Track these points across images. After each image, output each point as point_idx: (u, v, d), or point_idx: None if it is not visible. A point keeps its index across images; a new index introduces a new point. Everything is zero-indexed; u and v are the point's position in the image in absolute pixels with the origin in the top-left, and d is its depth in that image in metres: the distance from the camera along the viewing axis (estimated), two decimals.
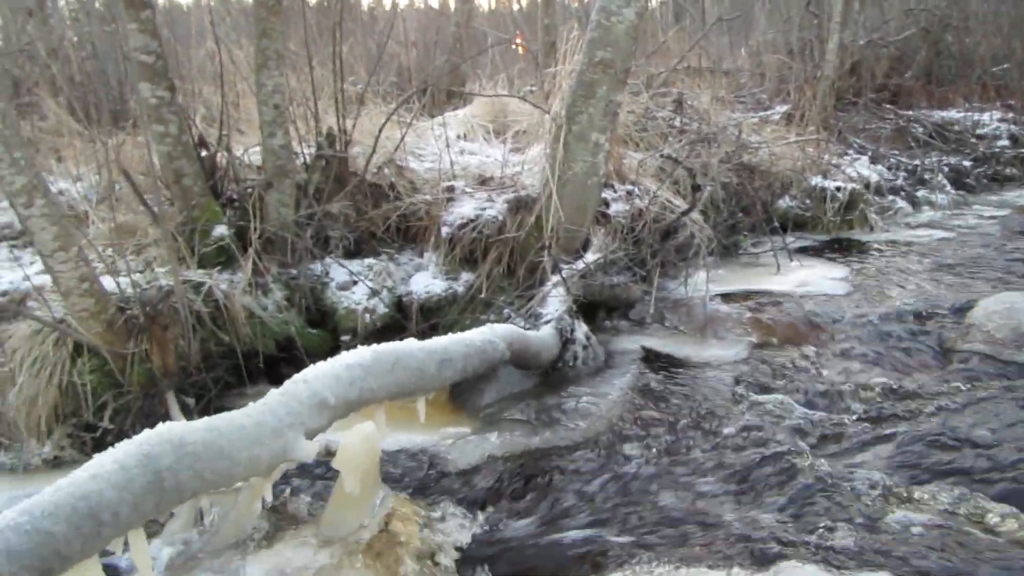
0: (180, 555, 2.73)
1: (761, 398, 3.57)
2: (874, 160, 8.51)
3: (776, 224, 6.42)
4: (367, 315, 4.56)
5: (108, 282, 3.88)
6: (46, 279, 4.01)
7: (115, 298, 3.82)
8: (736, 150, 6.20)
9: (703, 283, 4.86)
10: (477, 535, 2.81)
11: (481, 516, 2.92)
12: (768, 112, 9.22)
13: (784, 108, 9.10)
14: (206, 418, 2.36)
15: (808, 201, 6.98)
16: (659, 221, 5.07)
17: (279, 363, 4.32)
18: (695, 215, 5.12)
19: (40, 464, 3.68)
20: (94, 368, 3.79)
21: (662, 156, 4.97)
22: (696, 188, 4.87)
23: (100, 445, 3.58)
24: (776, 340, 4.31)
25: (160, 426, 2.25)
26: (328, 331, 4.61)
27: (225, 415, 2.40)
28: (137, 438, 2.18)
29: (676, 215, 4.97)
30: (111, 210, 4.86)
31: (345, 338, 4.51)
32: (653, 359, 4.15)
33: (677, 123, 6.55)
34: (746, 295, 5.01)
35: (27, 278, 4.15)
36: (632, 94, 6.47)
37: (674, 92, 6.86)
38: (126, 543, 2.15)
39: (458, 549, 2.72)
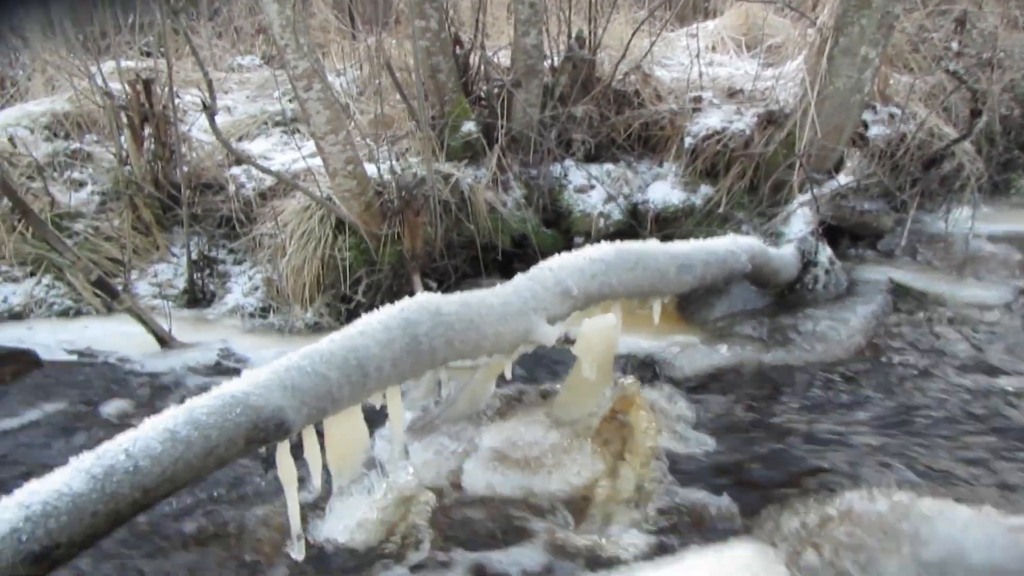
0: (420, 419, 2.96)
1: (1022, 343, 3.27)
2: None
3: None
4: (601, 219, 4.61)
5: (368, 168, 4.17)
6: (314, 162, 4.39)
7: (374, 182, 4.11)
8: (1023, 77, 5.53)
9: (966, 219, 4.46)
10: (700, 440, 2.82)
11: (706, 423, 2.93)
12: None
13: None
14: (459, 293, 2.51)
15: None
16: (923, 149, 4.67)
17: (513, 259, 4.47)
18: (967, 145, 4.66)
19: (303, 328, 4.10)
20: (352, 246, 4.13)
21: (945, 71, 4.52)
22: (976, 113, 4.42)
23: (353, 315, 3.87)
24: None
25: (419, 295, 2.42)
26: (562, 232, 4.71)
27: (476, 292, 2.54)
28: (399, 304, 2.36)
29: (945, 143, 4.55)
30: (371, 102, 5.19)
31: (578, 240, 4.59)
32: (901, 292, 3.90)
33: (955, 45, 5.93)
34: (1016, 237, 4.54)
35: (303, 158, 4.53)
36: (905, 9, 5.92)
37: (956, 9, 6.18)
38: (383, 400, 2.37)
39: (681, 450, 2.75)
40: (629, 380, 2.85)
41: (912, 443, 2.56)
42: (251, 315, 4.31)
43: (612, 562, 2.25)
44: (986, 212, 4.90)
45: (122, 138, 4.88)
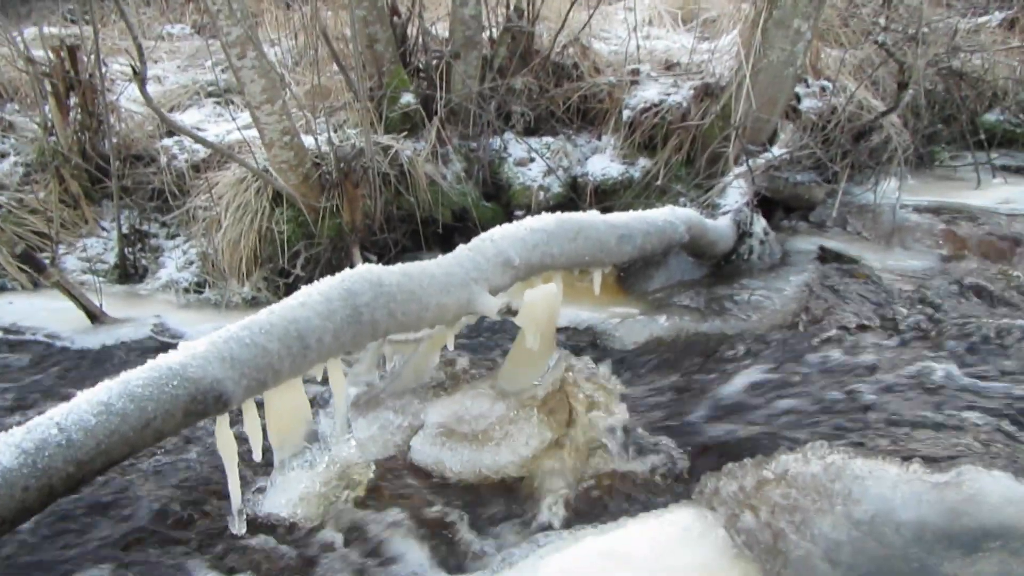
0: (364, 394, 2.93)
1: (948, 308, 3.38)
2: None
3: (981, 137, 5.91)
4: (541, 192, 4.60)
5: (306, 140, 4.08)
6: (249, 133, 4.29)
7: (311, 154, 4.03)
8: (947, 53, 5.69)
9: (893, 191, 4.59)
10: (643, 409, 2.86)
11: (646, 392, 2.97)
12: (985, 18, 8.37)
13: (1005, 14, 8.22)
14: (400, 264, 2.48)
15: (1022, 116, 6.37)
16: (853, 121, 4.78)
17: (454, 232, 4.45)
18: (894, 118, 4.79)
19: (240, 302, 4.02)
20: (290, 218, 4.05)
21: (874, 43, 4.61)
22: (902, 87, 4.53)
23: (292, 290, 3.80)
24: (970, 254, 4.04)
25: (360, 266, 2.38)
26: (502, 205, 4.70)
27: (417, 263, 2.52)
28: (339, 275, 2.33)
29: (874, 116, 4.67)
30: (307, 73, 5.08)
31: (519, 213, 4.58)
32: (832, 261, 4.01)
33: (883, 20, 6.06)
34: (939, 208, 4.68)
35: (237, 129, 4.42)
36: None
37: None
38: (324, 374, 2.34)
39: (622, 419, 2.78)
40: (565, 358, 2.87)
41: (844, 406, 2.63)
42: (186, 290, 4.21)
43: (557, 529, 2.26)
44: (912, 184, 5.05)
45: (46, 107, 4.69)
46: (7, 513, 1.47)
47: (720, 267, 3.91)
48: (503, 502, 2.42)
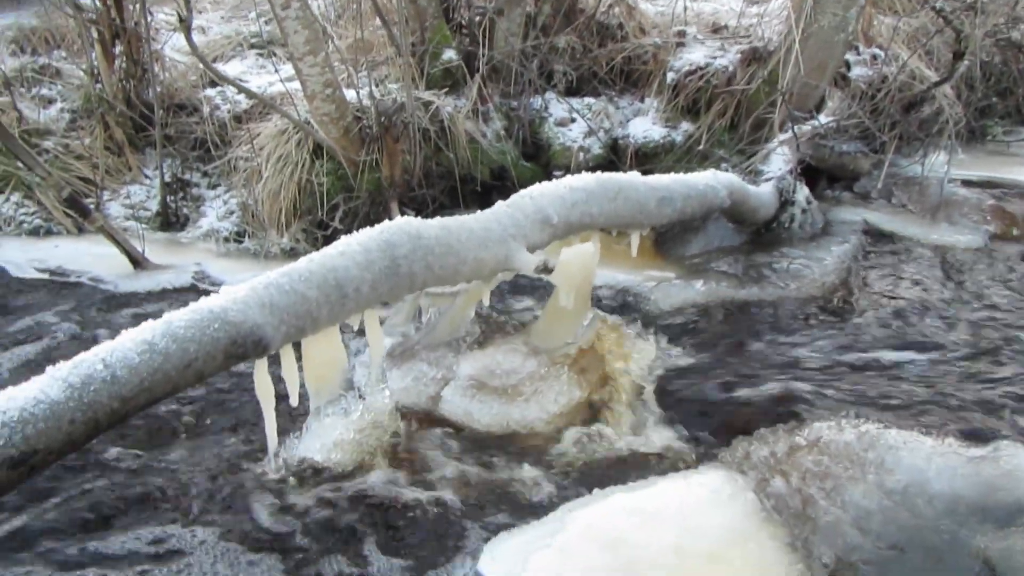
0: (400, 346, 2.97)
1: (993, 285, 3.32)
2: None
3: None
4: (581, 153, 4.57)
5: (347, 94, 4.08)
6: (291, 86, 4.29)
7: (353, 107, 4.03)
8: (1006, 23, 5.50)
9: (942, 164, 4.48)
10: (676, 370, 2.85)
11: (680, 355, 2.96)
12: None
13: None
14: (439, 218, 2.49)
15: None
16: (904, 91, 4.66)
17: (492, 191, 4.43)
18: (947, 89, 4.66)
19: (279, 253, 4.07)
20: (330, 171, 4.07)
21: (932, 9, 4.48)
22: (958, 57, 4.40)
23: (329, 242, 3.88)
24: (1019, 231, 3.95)
25: (399, 218, 2.39)
26: (541, 166, 4.67)
27: (456, 218, 2.52)
28: (379, 226, 2.34)
29: (926, 86, 4.54)
30: (350, 27, 5.06)
31: (557, 174, 4.54)
32: (875, 234, 3.94)
33: None
34: (988, 183, 4.57)
35: (280, 81, 4.42)
36: None
37: None
38: (361, 324, 2.36)
39: (655, 381, 2.79)
40: (600, 319, 2.87)
41: (881, 377, 2.61)
42: (226, 239, 4.26)
43: (585, 487, 2.28)
44: (962, 158, 4.92)
45: (92, 55, 4.73)
46: (54, 444, 1.51)
47: (760, 235, 3.86)
48: (531, 457, 2.45)
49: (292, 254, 4.01)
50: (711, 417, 2.58)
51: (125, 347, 1.66)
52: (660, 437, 2.53)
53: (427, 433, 2.57)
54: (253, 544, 2.06)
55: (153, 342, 1.70)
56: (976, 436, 2.13)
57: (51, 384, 1.54)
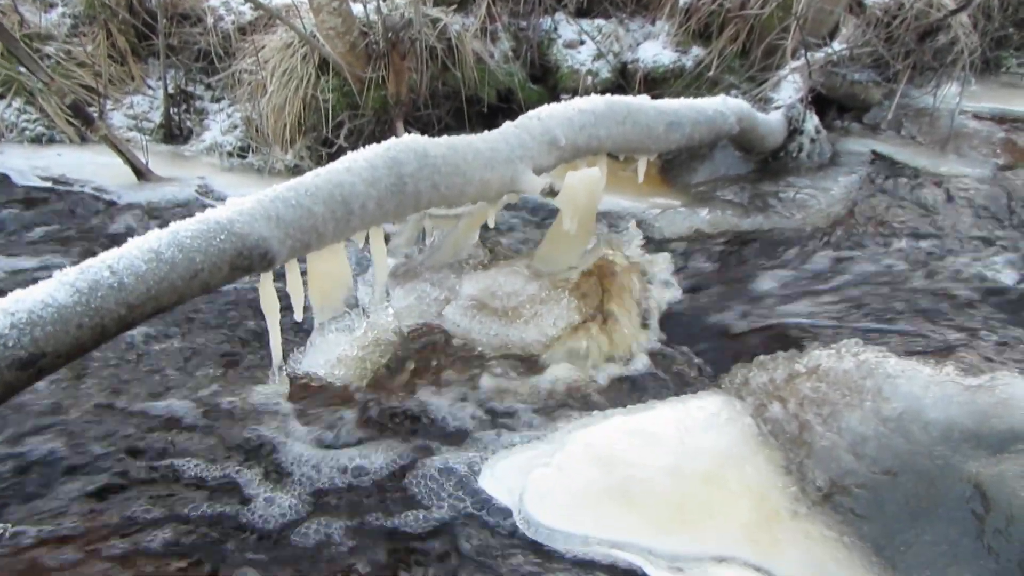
0: (403, 266, 2.95)
1: (998, 218, 3.29)
2: None
3: None
4: (589, 77, 4.48)
5: (354, 8, 3.98)
6: None
7: (359, 22, 3.94)
8: None
9: (954, 95, 4.40)
10: (675, 298, 2.85)
11: (682, 282, 2.95)
12: None
13: None
14: (446, 137, 2.45)
15: None
16: (920, 19, 4.54)
17: (498, 113, 4.36)
18: (964, 18, 4.54)
19: (282, 169, 4.03)
20: (335, 87, 4.00)
21: None
22: None
23: (333, 160, 3.85)
24: None
25: (406, 136, 2.36)
26: (548, 88, 4.59)
27: (463, 137, 2.49)
28: (385, 143, 2.30)
29: (943, 14, 4.43)
30: None
31: (565, 97, 4.47)
32: (883, 165, 3.88)
33: None
34: (1001, 116, 4.49)
35: None
36: None
37: None
38: (366, 241, 2.35)
39: (657, 306, 2.79)
40: (603, 245, 2.85)
41: (883, 307, 2.60)
42: (229, 154, 4.22)
43: (583, 408, 2.30)
44: (974, 90, 4.82)
45: None
46: (62, 348, 1.51)
47: (767, 163, 3.82)
48: (530, 379, 2.46)
49: (296, 171, 3.93)
50: (711, 344, 2.59)
51: (132, 255, 1.65)
52: (660, 362, 2.54)
53: (428, 352, 2.58)
54: (253, 454, 2.09)
55: (159, 251, 1.69)
56: (975, 367, 2.14)
57: (59, 288, 1.54)
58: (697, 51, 4.50)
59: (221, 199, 3.64)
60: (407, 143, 2.31)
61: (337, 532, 1.82)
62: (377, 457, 2.08)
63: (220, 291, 2.80)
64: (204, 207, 2.16)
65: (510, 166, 2.50)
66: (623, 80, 4.54)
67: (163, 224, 1.82)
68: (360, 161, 2.21)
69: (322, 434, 2.17)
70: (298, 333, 2.53)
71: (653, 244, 3.19)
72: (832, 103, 4.39)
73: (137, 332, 2.55)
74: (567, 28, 4.62)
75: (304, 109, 4.03)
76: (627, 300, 2.73)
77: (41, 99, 4.26)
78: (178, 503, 1.87)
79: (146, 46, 4.67)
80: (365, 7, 4.00)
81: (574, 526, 1.82)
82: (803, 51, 4.02)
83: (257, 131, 4.18)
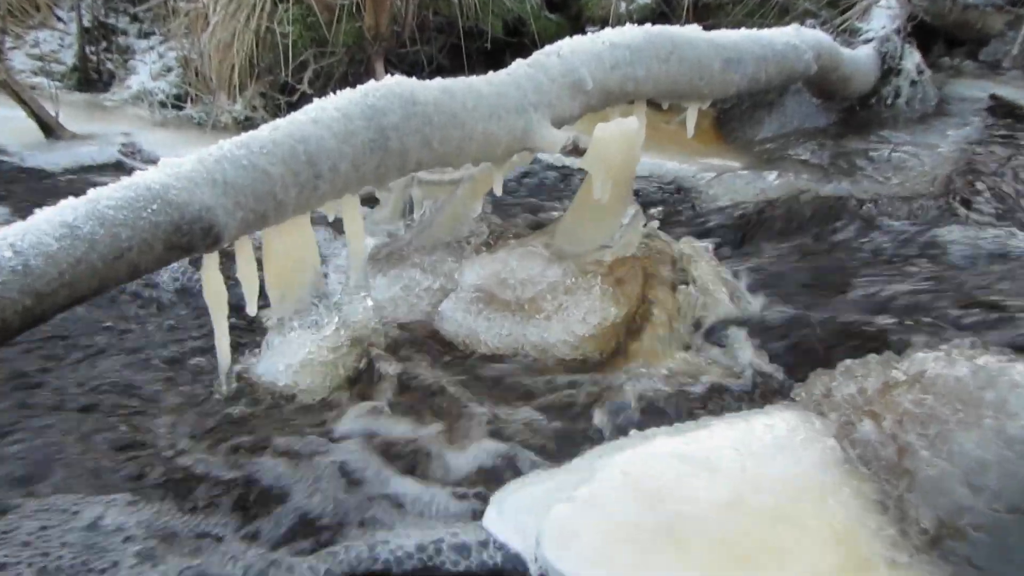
0: (386, 246, 2.97)
1: None
2: None
3: None
4: (623, 3, 4.49)
5: None
6: None
7: None
8: None
9: None
10: (737, 287, 2.85)
11: (746, 266, 2.95)
12: None
13: None
14: (440, 79, 2.45)
15: None
16: None
17: (504, 50, 4.37)
18: None
19: (230, 123, 4.05)
20: (296, 18, 4.01)
21: None
22: None
23: (295, 110, 3.87)
24: None
25: (388, 78, 2.36)
26: (570, 18, 4.62)
27: (461, 79, 2.49)
28: (362, 88, 2.31)
29: None
30: None
31: (591, 29, 4.47)
32: (1005, 114, 3.87)
33: None
34: None
35: None
36: None
37: None
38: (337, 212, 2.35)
39: (712, 298, 2.78)
40: (644, 217, 2.85)
41: (1004, 297, 2.60)
42: (162, 104, 4.25)
43: (620, 428, 2.30)
44: None
45: None
46: None
47: (854, 112, 3.83)
48: (551, 390, 2.46)
49: (247, 125, 3.98)
50: (782, 344, 2.59)
51: (40, 230, 1.65)
52: (715, 368, 2.55)
53: (418, 356, 2.58)
54: (192, 486, 2.08)
55: (75, 225, 1.69)
56: None
57: None
58: None
59: (152, 160, 3.63)
60: (390, 87, 2.31)
61: None
62: (348, 494, 2.06)
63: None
64: (131, 170, 2.16)
65: (521, 116, 2.49)
66: (666, 7, 4.55)
67: (79, 192, 1.82)
68: (330, 110, 2.22)
69: (276, 462, 2.14)
70: (251, 332, 2.54)
71: (706, 217, 3.18)
72: (939, 34, 4.39)
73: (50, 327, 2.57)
74: None
75: (257, 46, 4.04)
76: (674, 288, 2.73)
77: None
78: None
79: None
80: None
81: None
82: None
83: (197, 75, 4.21)
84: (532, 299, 2.67)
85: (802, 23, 4.09)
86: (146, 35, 4.60)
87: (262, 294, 2.25)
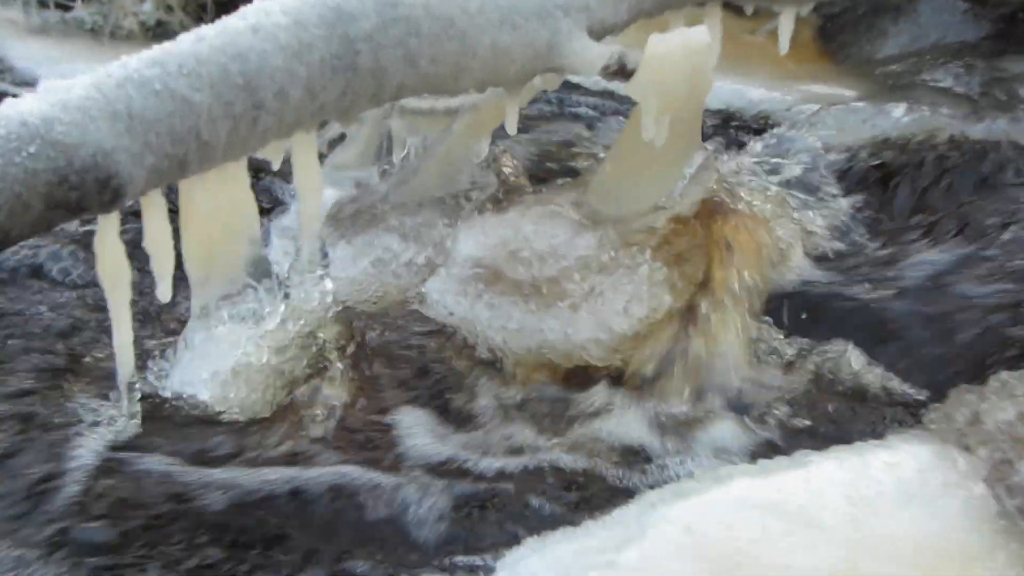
0: (353, 202, 2.97)
1: None
2: None
3: None
4: None
5: None
6: None
7: None
8: None
9: None
10: (847, 262, 2.87)
11: (858, 241, 2.96)
12: None
13: None
14: None
15: None
16: None
17: None
18: None
19: (136, 30, 4.06)
20: None
21: None
22: None
23: (226, 13, 3.89)
24: None
25: None
26: None
27: None
28: None
29: None
30: None
31: None
32: None
33: None
34: None
35: None
36: None
37: None
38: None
39: (812, 283, 2.79)
40: (715, 164, 2.85)
41: None
42: (41, 2, 4.24)
43: (675, 464, 2.31)
44: None
45: None
46: None
47: (1016, 22, 3.81)
48: (580, 409, 2.49)
49: (160, 34, 4.00)
50: (907, 348, 2.61)
51: None
52: (813, 382, 2.57)
53: (394, 357, 2.59)
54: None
55: None
56: None
57: None
58: None
59: (27, 83, 3.66)
60: None
61: None
62: (291, 555, 2.07)
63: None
64: None
65: (546, 23, 2.48)
66: None
67: None
68: (277, 14, 2.21)
69: (195, 514, 2.15)
70: (164, 323, 2.55)
71: (805, 166, 3.18)
72: None
73: None
74: None
75: None
76: (755, 268, 2.73)
77: None
78: None
79: None
80: None
81: None
82: None
83: None
84: (553, 280, 2.67)
85: None
86: None
87: (179, 272, 2.25)
